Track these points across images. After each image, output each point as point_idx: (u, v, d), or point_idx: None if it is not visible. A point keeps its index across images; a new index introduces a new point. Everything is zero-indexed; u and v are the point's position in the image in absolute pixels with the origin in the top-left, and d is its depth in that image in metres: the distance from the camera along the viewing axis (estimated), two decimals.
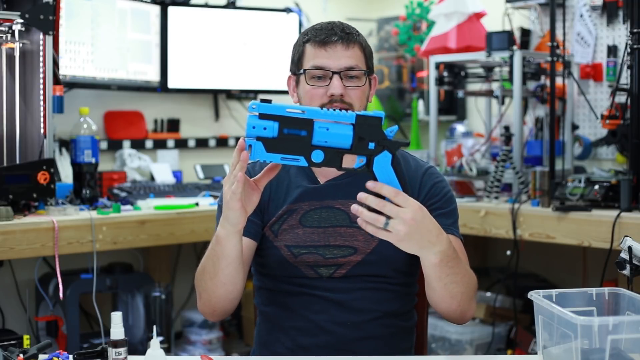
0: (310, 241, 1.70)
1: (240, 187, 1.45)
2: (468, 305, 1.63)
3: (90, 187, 2.84)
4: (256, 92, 3.88)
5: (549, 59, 3.00)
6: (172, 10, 3.52)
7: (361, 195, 1.38)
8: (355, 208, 1.38)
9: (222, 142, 3.85)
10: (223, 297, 1.65)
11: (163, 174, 3.39)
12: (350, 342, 1.68)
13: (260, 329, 1.79)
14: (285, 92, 4.06)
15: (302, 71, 1.71)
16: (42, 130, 2.61)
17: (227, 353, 3.49)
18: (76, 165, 2.84)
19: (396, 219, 1.37)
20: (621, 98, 2.87)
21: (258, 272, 1.80)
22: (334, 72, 1.67)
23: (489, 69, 3.31)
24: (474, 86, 3.66)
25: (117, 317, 1.42)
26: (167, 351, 3.00)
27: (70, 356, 1.49)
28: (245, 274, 1.70)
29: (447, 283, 1.55)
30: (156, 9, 3.48)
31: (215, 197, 3.11)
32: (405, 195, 1.39)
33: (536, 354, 1.50)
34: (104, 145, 3.41)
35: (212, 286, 1.64)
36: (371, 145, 1.38)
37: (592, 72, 3.41)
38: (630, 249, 1.62)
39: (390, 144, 1.39)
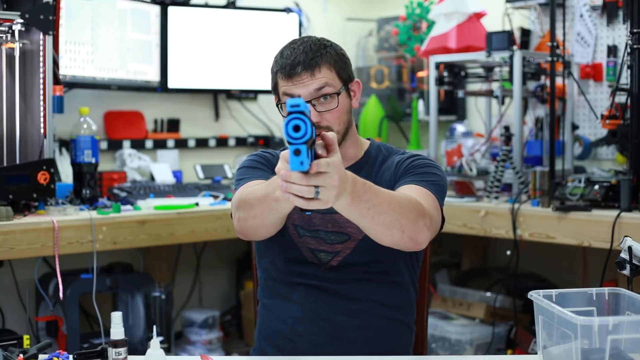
0: (313, 225, 1.75)
1: None
2: (415, 230, 1.57)
3: (90, 187, 2.84)
4: (256, 92, 3.88)
5: (549, 59, 3.00)
6: (172, 10, 3.52)
7: (287, 174, 1.30)
8: (283, 185, 1.31)
9: (222, 142, 3.85)
10: (262, 234, 1.70)
11: (163, 174, 3.39)
12: (348, 330, 1.73)
13: (261, 322, 1.84)
14: None
15: (278, 104, 1.75)
16: (42, 130, 2.61)
17: (227, 353, 3.49)
18: (76, 165, 2.84)
19: (325, 186, 1.31)
20: (621, 98, 2.87)
21: (260, 260, 1.85)
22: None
23: (489, 69, 3.30)
24: (474, 86, 3.66)
25: (117, 317, 1.42)
26: (167, 351, 3.00)
27: (70, 356, 1.49)
28: None
29: (374, 215, 1.50)
30: (156, 9, 3.48)
31: (215, 197, 3.11)
32: (326, 160, 1.31)
33: (536, 354, 1.50)
34: (104, 145, 3.40)
35: (255, 224, 1.66)
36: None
37: (592, 72, 3.41)
38: (630, 249, 1.62)
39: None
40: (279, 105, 1.75)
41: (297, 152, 1.25)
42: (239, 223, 1.69)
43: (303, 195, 1.31)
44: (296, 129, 1.23)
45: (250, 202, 1.63)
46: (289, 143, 1.25)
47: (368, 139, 1.90)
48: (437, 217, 1.67)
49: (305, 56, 1.70)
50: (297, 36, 3.80)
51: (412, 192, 1.65)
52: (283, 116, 1.71)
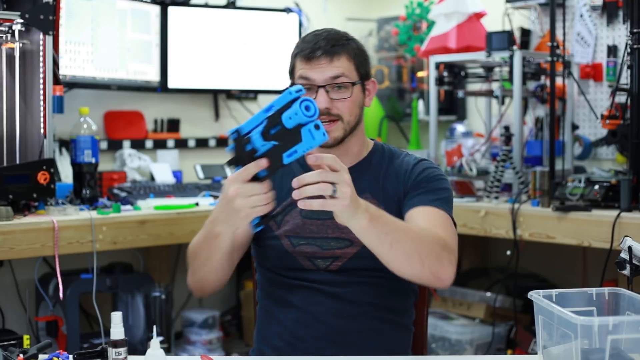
0: (310, 232, 1.73)
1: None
2: (438, 265, 1.57)
3: (90, 187, 2.84)
4: (256, 92, 3.88)
5: (549, 59, 3.00)
6: (172, 10, 3.52)
7: (300, 177, 1.37)
8: (296, 194, 1.37)
9: (222, 142, 3.85)
10: (213, 281, 1.72)
11: (163, 174, 3.39)
12: (347, 334, 1.71)
13: (260, 323, 1.83)
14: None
15: (293, 83, 1.74)
16: (42, 130, 2.61)
17: (227, 353, 3.49)
18: (76, 165, 2.84)
19: (340, 184, 1.37)
20: (621, 98, 2.87)
21: (259, 265, 1.85)
22: (319, 86, 1.68)
23: (489, 69, 3.31)
24: (474, 86, 3.66)
25: (117, 317, 1.42)
26: (167, 351, 3.00)
27: (70, 356, 1.49)
28: (237, 260, 1.77)
29: (392, 242, 1.51)
30: (156, 9, 3.48)
31: (215, 197, 3.11)
32: (328, 155, 1.40)
33: (536, 354, 1.50)
34: (104, 145, 3.40)
35: (204, 272, 1.69)
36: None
37: (592, 72, 3.41)
38: (630, 249, 1.62)
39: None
40: (294, 83, 1.74)
41: (317, 127, 1.34)
42: (191, 279, 1.73)
43: (321, 193, 1.36)
44: (307, 109, 1.33)
45: (195, 250, 1.67)
46: (303, 125, 1.34)
47: (371, 139, 1.88)
48: (456, 246, 1.66)
49: (326, 42, 1.70)
50: (297, 36, 3.80)
51: (429, 217, 1.64)
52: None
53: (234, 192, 1.43)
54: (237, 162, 1.43)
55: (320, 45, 1.70)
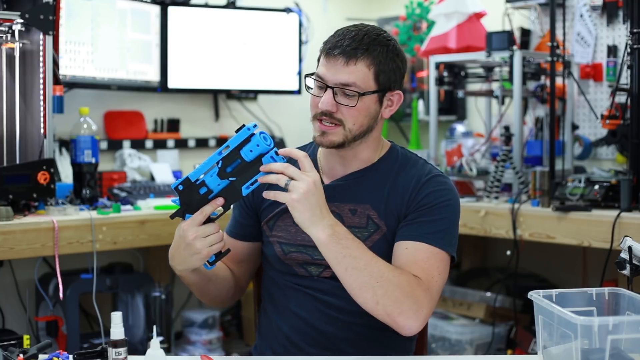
0: (301, 240, 1.69)
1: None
2: (396, 310, 1.51)
3: (90, 187, 2.84)
4: (256, 92, 3.88)
5: (549, 59, 3.00)
6: (172, 10, 3.52)
7: (265, 167, 1.50)
8: (261, 177, 1.50)
9: (222, 142, 3.84)
10: (216, 299, 1.80)
11: (163, 174, 3.39)
12: (342, 342, 1.69)
13: (261, 320, 1.83)
14: (284, 92, 4.06)
15: (309, 74, 1.67)
16: (42, 130, 2.61)
17: (227, 353, 3.49)
18: (76, 165, 2.84)
19: (298, 180, 1.48)
20: (621, 98, 2.87)
21: (263, 264, 1.84)
22: (328, 86, 1.62)
23: (489, 69, 3.31)
24: (474, 86, 3.66)
25: (117, 317, 1.42)
26: (167, 351, 3.00)
27: (70, 356, 1.49)
28: (241, 274, 1.81)
29: (348, 267, 1.51)
30: (156, 9, 3.48)
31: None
32: (311, 163, 1.52)
33: (536, 354, 1.50)
34: (104, 145, 3.40)
35: (202, 298, 1.79)
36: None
37: (592, 72, 3.41)
38: (630, 249, 1.62)
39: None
40: (310, 75, 1.67)
41: (277, 153, 1.50)
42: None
43: (277, 183, 1.48)
44: (265, 139, 1.49)
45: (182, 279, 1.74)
46: (264, 154, 1.49)
47: (390, 142, 1.80)
48: (435, 288, 1.59)
49: (350, 42, 1.60)
50: (297, 36, 3.81)
51: (414, 255, 1.59)
52: (306, 86, 1.68)
53: (192, 235, 1.54)
54: (187, 210, 1.55)
55: (342, 44, 1.60)
